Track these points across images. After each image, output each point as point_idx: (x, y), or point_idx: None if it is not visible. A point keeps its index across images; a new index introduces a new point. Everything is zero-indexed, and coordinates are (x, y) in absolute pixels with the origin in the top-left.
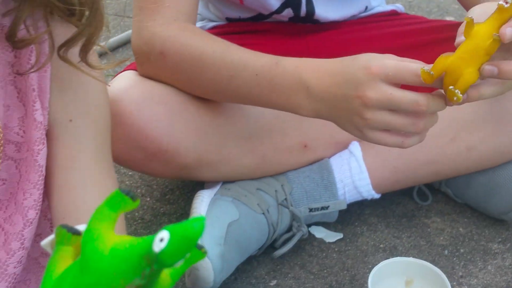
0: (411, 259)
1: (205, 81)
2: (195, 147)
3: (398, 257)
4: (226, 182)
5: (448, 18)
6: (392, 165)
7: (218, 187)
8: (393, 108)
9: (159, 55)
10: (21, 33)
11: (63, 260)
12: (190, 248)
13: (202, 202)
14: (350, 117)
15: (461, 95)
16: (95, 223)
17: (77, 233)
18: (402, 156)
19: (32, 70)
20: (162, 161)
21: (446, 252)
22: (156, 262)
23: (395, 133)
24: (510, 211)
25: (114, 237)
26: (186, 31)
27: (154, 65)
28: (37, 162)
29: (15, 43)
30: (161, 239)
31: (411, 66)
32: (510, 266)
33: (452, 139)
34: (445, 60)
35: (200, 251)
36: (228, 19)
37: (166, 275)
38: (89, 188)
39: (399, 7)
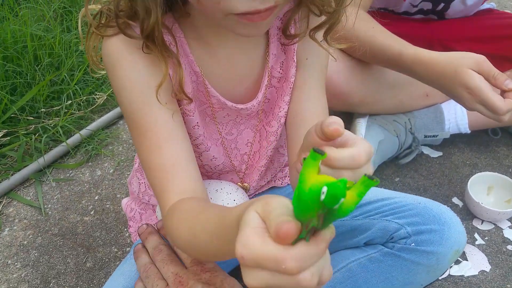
0: (492, 173)
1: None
2: (360, 92)
3: (484, 172)
4: (372, 114)
5: None
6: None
7: (367, 117)
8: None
9: None
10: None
11: (312, 171)
12: (338, 199)
13: (362, 126)
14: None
15: None
16: (303, 169)
17: (321, 153)
18: None
19: (294, 42)
20: (340, 100)
21: (510, 170)
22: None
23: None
24: None
25: (313, 178)
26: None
27: None
28: (290, 88)
29: (287, 36)
30: (323, 192)
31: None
32: None
33: None
34: None
35: (373, 180)
36: (380, 8)
37: (352, 195)
38: (312, 100)
39: (493, 5)
